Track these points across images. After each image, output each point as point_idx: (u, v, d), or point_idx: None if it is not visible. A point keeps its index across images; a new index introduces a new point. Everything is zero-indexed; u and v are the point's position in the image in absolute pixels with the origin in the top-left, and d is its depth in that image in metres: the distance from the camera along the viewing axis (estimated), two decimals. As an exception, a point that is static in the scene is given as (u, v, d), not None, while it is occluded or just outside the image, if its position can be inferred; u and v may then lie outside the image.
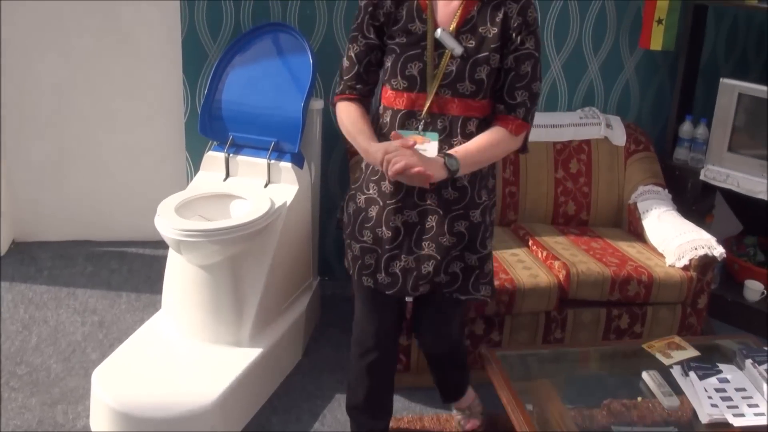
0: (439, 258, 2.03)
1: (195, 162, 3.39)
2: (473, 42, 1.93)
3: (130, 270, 3.58)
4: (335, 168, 3.46)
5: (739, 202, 3.60)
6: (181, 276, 2.78)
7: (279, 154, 2.98)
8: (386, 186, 2.03)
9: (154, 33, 3.51)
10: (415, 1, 1.96)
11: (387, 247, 2.05)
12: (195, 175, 3.20)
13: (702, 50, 3.59)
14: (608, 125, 3.44)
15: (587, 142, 3.40)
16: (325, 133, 3.21)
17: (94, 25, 3.50)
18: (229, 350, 2.71)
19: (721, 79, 3.34)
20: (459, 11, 1.94)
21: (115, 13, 3.49)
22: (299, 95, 2.96)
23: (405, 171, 1.82)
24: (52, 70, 3.56)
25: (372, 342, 2.22)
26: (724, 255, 2.92)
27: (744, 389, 2.19)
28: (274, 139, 2.97)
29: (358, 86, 2.05)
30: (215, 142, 3.11)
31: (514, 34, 1.93)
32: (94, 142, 3.69)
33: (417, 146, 1.90)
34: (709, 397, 2.15)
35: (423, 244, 2.03)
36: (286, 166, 2.95)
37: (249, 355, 2.69)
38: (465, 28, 1.94)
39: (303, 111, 2.93)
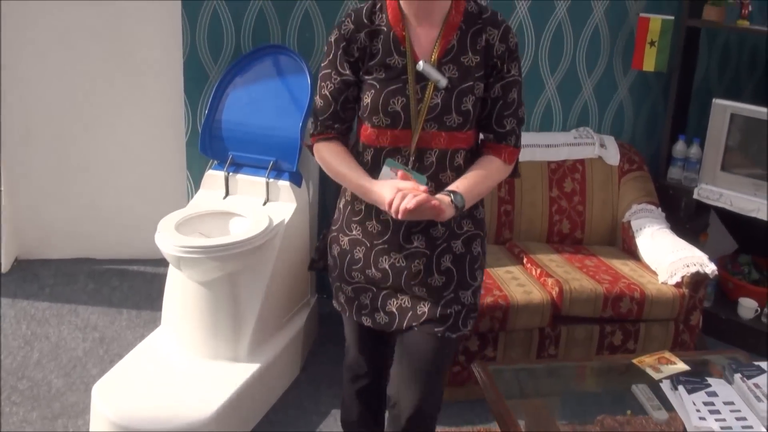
0: (432, 300, 1.96)
1: (195, 180, 3.44)
2: (456, 72, 1.85)
3: (131, 287, 3.62)
4: (332, 186, 3.48)
5: (733, 221, 3.63)
6: (180, 292, 2.82)
7: (277, 172, 3.03)
8: (373, 226, 1.96)
9: (157, 54, 3.58)
10: (391, 33, 1.86)
11: (381, 285, 1.99)
12: (195, 193, 3.24)
13: (695, 71, 3.64)
14: (602, 145, 3.49)
15: (581, 161, 3.45)
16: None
17: (97, 45, 3.57)
18: (228, 365, 2.75)
19: (713, 100, 3.39)
20: (438, 41, 1.85)
21: (118, 34, 3.56)
22: (297, 115, 3.02)
23: (422, 205, 1.71)
24: (54, 89, 3.62)
25: (363, 370, 2.20)
26: (716, 272, 2.96)
27: (732, 402, 2.21)
28: (272, 158, 3.03)
29: (336, 125, 1.93)
30: (215, 161, 3.16)
31: (499, 63, 1.87)
32: (97, 161, 3.74)
33: None
34: (698, 410, 2.17)
35: (414, 288, 1.96)
36: (284, 184, 3.00)
37: (247, 370, 2.73)
38: (446, 58, 1.85)
39: (301, 131, 2.99)
